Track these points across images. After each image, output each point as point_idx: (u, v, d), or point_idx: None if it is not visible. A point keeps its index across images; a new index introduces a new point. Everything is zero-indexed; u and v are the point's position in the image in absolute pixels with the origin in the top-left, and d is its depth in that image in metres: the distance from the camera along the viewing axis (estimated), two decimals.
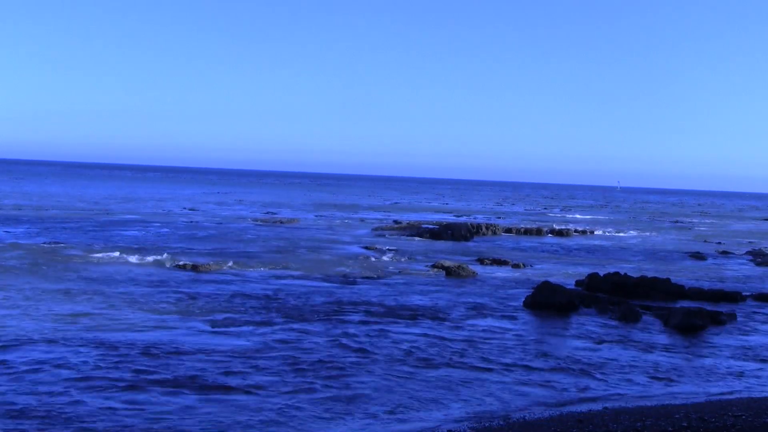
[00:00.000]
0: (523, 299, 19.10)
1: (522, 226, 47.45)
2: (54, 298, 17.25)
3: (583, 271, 25.29)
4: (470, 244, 36.19)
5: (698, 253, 35.07)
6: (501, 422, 9.61)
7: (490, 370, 12.40)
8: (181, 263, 23.85)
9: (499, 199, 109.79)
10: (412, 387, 11.22)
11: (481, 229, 41.98)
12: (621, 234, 47.61)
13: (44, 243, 27.79)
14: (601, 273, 22.65)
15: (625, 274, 22.46)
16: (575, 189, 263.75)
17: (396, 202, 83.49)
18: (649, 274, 23.65)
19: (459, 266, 24.76)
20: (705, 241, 43.43)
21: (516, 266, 27.16)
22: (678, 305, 19.00)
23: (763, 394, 11.36)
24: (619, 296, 20.14)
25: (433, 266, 25.56)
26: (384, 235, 38.11)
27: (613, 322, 17.14)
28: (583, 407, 10.41)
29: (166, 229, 36.45)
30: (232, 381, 11.09)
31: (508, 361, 13.06)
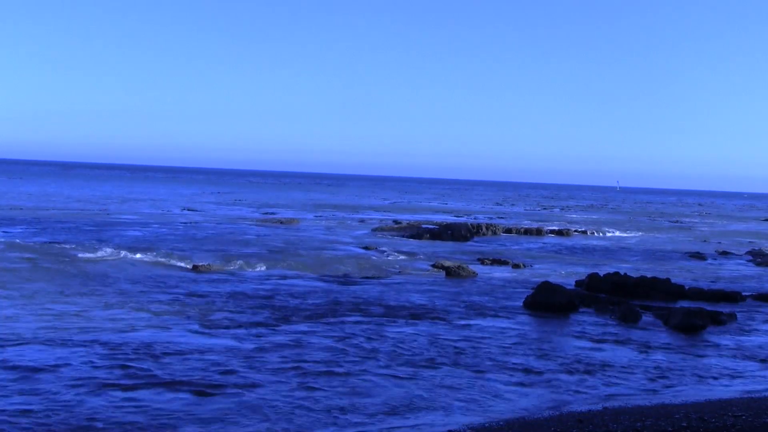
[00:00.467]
0: (523, 299, 19.08)
1: (522, 226, 47.44)
2: (51, 298, 17.22)
3: (583, 271, 25.28)
4: (470, 244, 36.17)
5: (698, 253, 35.05)
6: (501, 422, 9.58)
7: (489, 370, 12.37)
8: (179, 263, 23.82)
9: (499, 199, 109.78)
10: (412, 387, 11.19)
11: (481, 229, 41.96)
12: (621, 234, 47.60)
13: (42, 243, 27.75)
14: (601, 273, 22.63)
15: (625, 274, 22.44)
16: (575, 189, 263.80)
17: (396, 202, 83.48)
18: (649, 274, 23.63)
19: (459, 266, 24.73)
20: (705, 242, 43.42)
21: (516, 266, 27.14)
22: (678, 305, 18.99)
23: (763, 394, 11.33)
24: (619, 296, 20.12)
25: (433, 266, 25.53)
26: (384, 236, 38.08)
27: (613, 322, 17.12)
28: (583, 407, 10.38)
29: (164, 229, 36.40)
30: (232, 381, 11.06)
31: (507, 361, 13.03)
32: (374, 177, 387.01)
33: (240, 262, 24.79)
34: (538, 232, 44.55)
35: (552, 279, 22.00)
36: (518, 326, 16.36)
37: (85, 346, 12.74)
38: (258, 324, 15.29)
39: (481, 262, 27.97)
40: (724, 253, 35.94)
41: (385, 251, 30.10)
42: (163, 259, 24.48)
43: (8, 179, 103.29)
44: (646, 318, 17.66)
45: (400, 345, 13.86)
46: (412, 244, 34.35)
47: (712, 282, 25.09)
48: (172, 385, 10.73)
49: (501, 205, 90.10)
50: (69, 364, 11.52)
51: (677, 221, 66.24)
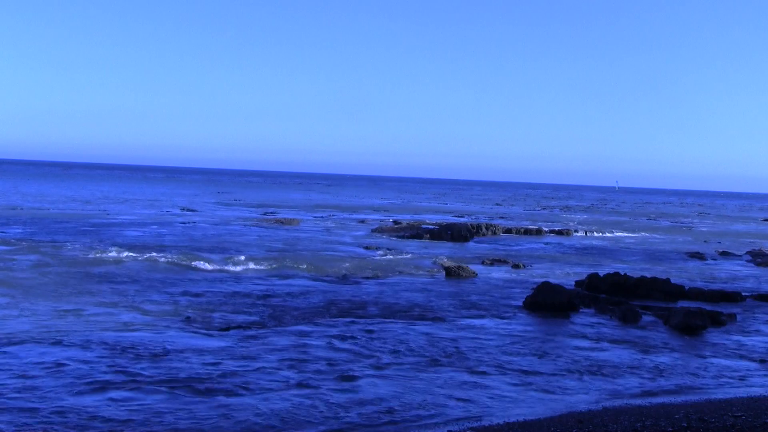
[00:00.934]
0: (523, 299, 19.05)
1: (522, 226, 47.41)
2: (47, 297, 17.18)
3: (583, 271, 25.25)
4: (470, 244, 36.13)
5: (698, 253, 35.01)
6: (500, 422, 9.55)
7: (489, 370, 12.33)
8: (178, 263, 23.79)
9: (498, 199, 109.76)
10: (411, 387, 11.15)
11: (481, 229, 41.93)
12: (620, 234, 47.56)
13: (39, 243, 27.71)
14: (601, 273, 22.59)
15: (625, 274, 22.40)
16: (574, 189, 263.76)
17: (395, 203, 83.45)
18: (649, 274, 23.60)
19: (459, 266, 24.70)
20: (705, 242, 43.39)
21: (516, 266, 27.11)
22: (678, 305, 18.95)
23: (763, 394, 11.30)
24: (619, 296, 20.09)
25: (433, 266, 25.50)
26: (384, 236, 38.04)
27: (613, 323, 17.09)
28: (583, 407, 10.35)
29: (163, 230, 36.37)
30: (231, 380, 11.02)
31: (507, 361, 13.00)
32: (373, 177, 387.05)
33: (239, 262, 24.75)
34: (538, 232, 44.52)
35: (552, 279, 21.97)
36: (518, 326, 16.33)
37: (81, 345, 12.70)
38: (257, 324, 15.26)
39: (481, 262, 27.95)
40: (724, 254, 35.89)
41: (385, 251, 30.06)
42: (161, 260, 24.43)
43: (8, 179, 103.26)
44: (646, 318, 17.63)
45: (400, 345, 13.82)
46: (412, 244, 34.30)
47: (712, 282, 25.06)
48: (169, 384, 10.69)
49: (501, 205, 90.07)
50: (66, 364, 11.48)
51: (677, 221, 66.21)
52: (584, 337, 15.45)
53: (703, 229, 57.09)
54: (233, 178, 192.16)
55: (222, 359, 12.24)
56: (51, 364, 11.45)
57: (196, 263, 23.78)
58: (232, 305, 17.38)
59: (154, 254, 25.39)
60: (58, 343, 12.86)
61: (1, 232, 31.56)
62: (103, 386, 10.51)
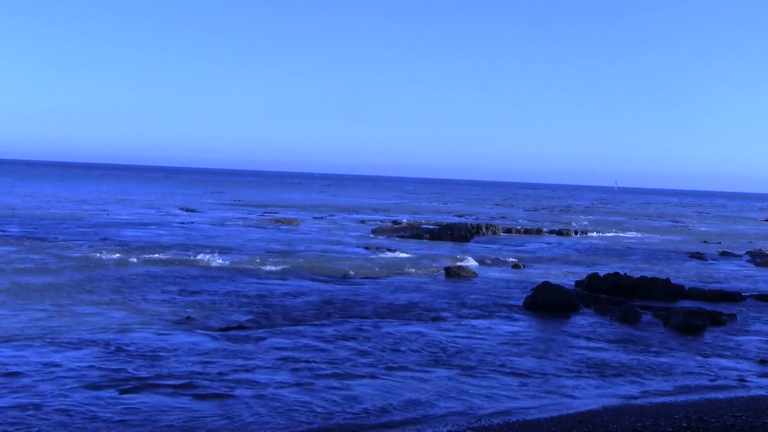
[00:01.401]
0: (523, 299, 19.02)
1: (522, 226, 47.38)
2: (45, 297, 17.14)
3: (583, 271, 25.22)
4: (470, 244, 36.10)
5: (698, 253, 34.98)
6: (500, 422, 9.52)
7: (489, 370, 12.30)
8: (177, 263, 23.76)
9: (498, 199, 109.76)
10: (411, 387, 11.12)
11: (481, 229, 41.90)
12: (620, 234, 47.54)
13: (38, 243, 27.68)
14: (601, 273, 22.56)
15: (625, 274, 22.38)
16: (574, 189, 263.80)
17: (395, 203, 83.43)
18: (649, 274, 23.58)
19: (459, 266, 24.68)
20: (705, 242, 43.36)
21: (516, 266, 27.08)
22: (678, 305, 18.93)
23: (763, 394, 11.28)
24: (619, 296, 20.07)
25: (433, 266, 25.46)
26: (384, 236, 38.03)
27: (613, 323, 17.06)
28: (583, 407, 10.33)
29: (162, 229, 36.35)
30: (229, 380, 10.99)
31: (507, 361, 12.97)
32: (373, 177, 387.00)
33: (239, 261, 24.73)
34: (538, 232, 44.51)
35: (552, 279, 21.94)
36: (518, 326, 16.30)
37: (79, 345, 12.67)
38: (255, 323, 15.23)
39: (481, 262, 27.92)
40: (724, 254, 35.86)
41: (385, 251, 30.03)
42: (160, 260, 24.40)
43: (7, 180, 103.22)
44: (646, 318, 17.61)
45: (399, 345, 13.79)
46: (412, 244, 34.27)
47: (712, 282, 25.03)
48: (167, 384, 10.66)
49: (500, 205, 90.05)
50: (62, 364, 11.44)
51: (677, 221, 66.19)
52: (584, 337, 15.42)
53: (703, 229, 57.07)
54: (232, 178, 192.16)
55: (220, 359, 12.21)
56: (48, 364, 11.41)
57: (194, 263, 23.74)
58: (231, 305, 17.35)
59: (153, 254, 25.36)
60: (54, 342, 12.82)
61: (0, 231, 31.52)
62: (101, 386, 10.47)
